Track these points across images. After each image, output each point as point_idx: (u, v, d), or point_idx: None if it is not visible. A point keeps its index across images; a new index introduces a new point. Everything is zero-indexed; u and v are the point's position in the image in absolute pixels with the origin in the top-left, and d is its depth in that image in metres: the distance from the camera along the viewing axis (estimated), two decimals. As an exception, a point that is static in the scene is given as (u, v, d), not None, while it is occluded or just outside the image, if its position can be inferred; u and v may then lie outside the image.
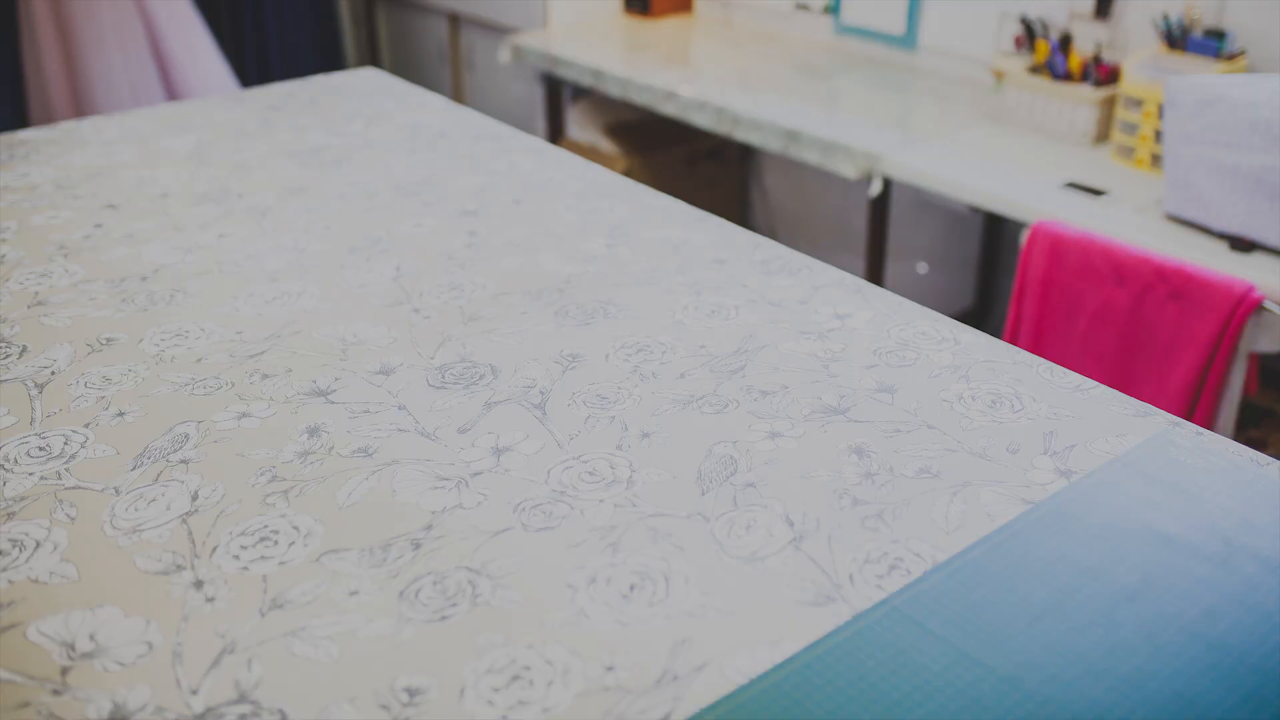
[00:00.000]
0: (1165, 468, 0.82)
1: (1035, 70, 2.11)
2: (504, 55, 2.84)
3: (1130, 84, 1.90)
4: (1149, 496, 0.79)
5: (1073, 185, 1.86)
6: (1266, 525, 0.76)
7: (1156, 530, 0.75)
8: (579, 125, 2.98)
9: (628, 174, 2.78)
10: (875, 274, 2.24)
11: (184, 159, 1.46)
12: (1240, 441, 1.19)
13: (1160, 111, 1.84)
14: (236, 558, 0.73)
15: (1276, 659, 0.65)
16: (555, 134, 3.00)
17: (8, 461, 0.83)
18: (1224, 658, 0.65)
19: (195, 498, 0.79)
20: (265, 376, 0.95)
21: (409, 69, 3.69)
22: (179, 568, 0.72)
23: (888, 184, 2.06)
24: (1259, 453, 0.84)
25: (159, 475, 0.81)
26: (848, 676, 0.63)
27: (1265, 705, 0.61)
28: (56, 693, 0.62)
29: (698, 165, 2.98)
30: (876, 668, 0.64)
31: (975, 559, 0.73)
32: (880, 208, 2.17)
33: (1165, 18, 1.98)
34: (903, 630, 0.67)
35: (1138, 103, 1.90)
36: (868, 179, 2.06)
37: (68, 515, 0.77)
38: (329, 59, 3.65)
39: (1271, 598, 0.70)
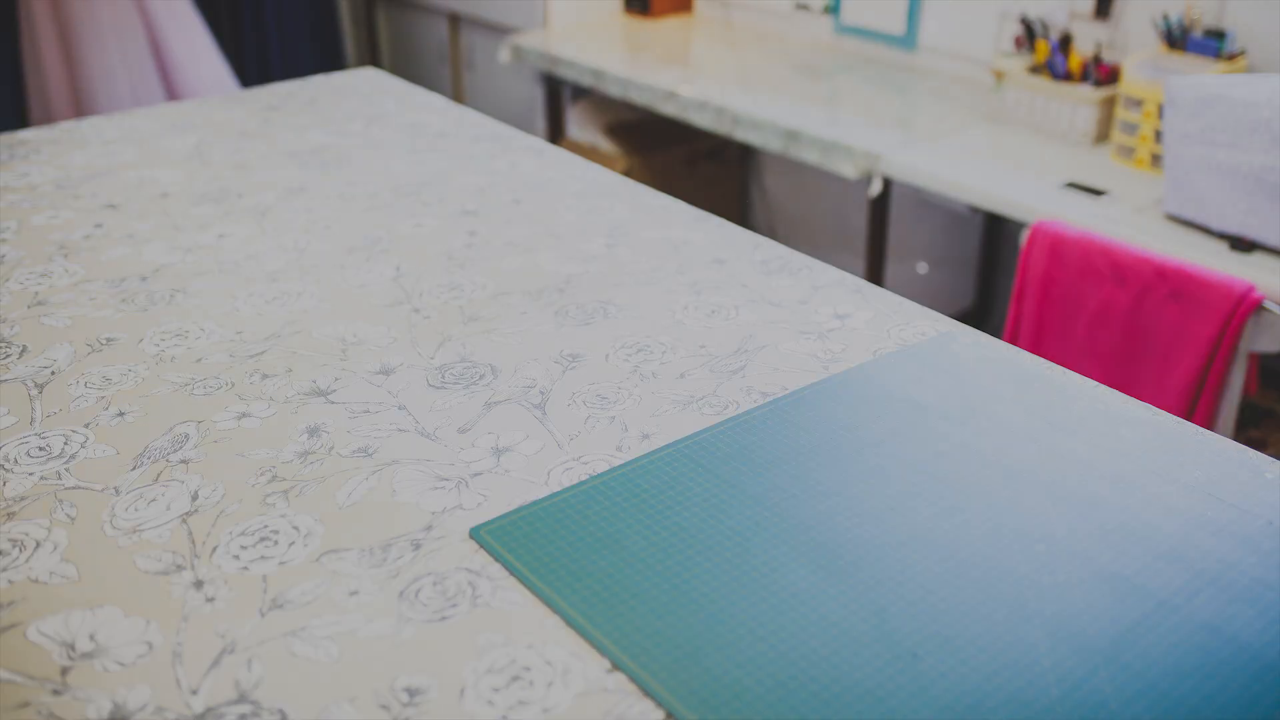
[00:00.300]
0: (942, 358, 0.97)
1: (1035, 70, 2.11)
2: (504, 55, 2.84)
3: (1130, 84, 1.91)
4: (919, 376, 0.94)
5: (1073, 185, 1.86)
6: (1013, 398, 0.91)
7: (914, 399, 0.90)
8: (579, 125, 2.98)
9: (628, 174, 2.78)
10: (875, 274, 2.24)
11: (184, 159, 1.46)
12: (1240, 441, 1.19)
13: (1160, 111, 1.84)
14: (236, 558, 0.73)
15: (984, 487, 0.80)
16: (555, 134, 3.00)
17: (8, 461, 0.83)
18: (934, 483, 0.80)
19: (195, 498, 0.79)
20: (265, 376, 0.95)
21: (409, 69, 3.69)
22: (179, 568, 0.72)
23: (888, 184, 2.06)
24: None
25: (159, 475, 0.81)
26: (622, 493, 0.79)
27: (964, 512, 0.77)
28: (56, 693, 0.62)
29: (698, 165, 2.99)
30: (649, 487, 0.80)
31: (757, 416, 0.88)
32: (880, 208, 2.17)
33: (1165, 18, 1.98)
34: (679, 464, 0.82)
35: (1138, 103, 1.90)
36: (868, 179, 2.06)
37: (68, 515, 0.77)
38: (329, 59, 3.65)
39: (992, 446, 0.85)
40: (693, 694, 0.61)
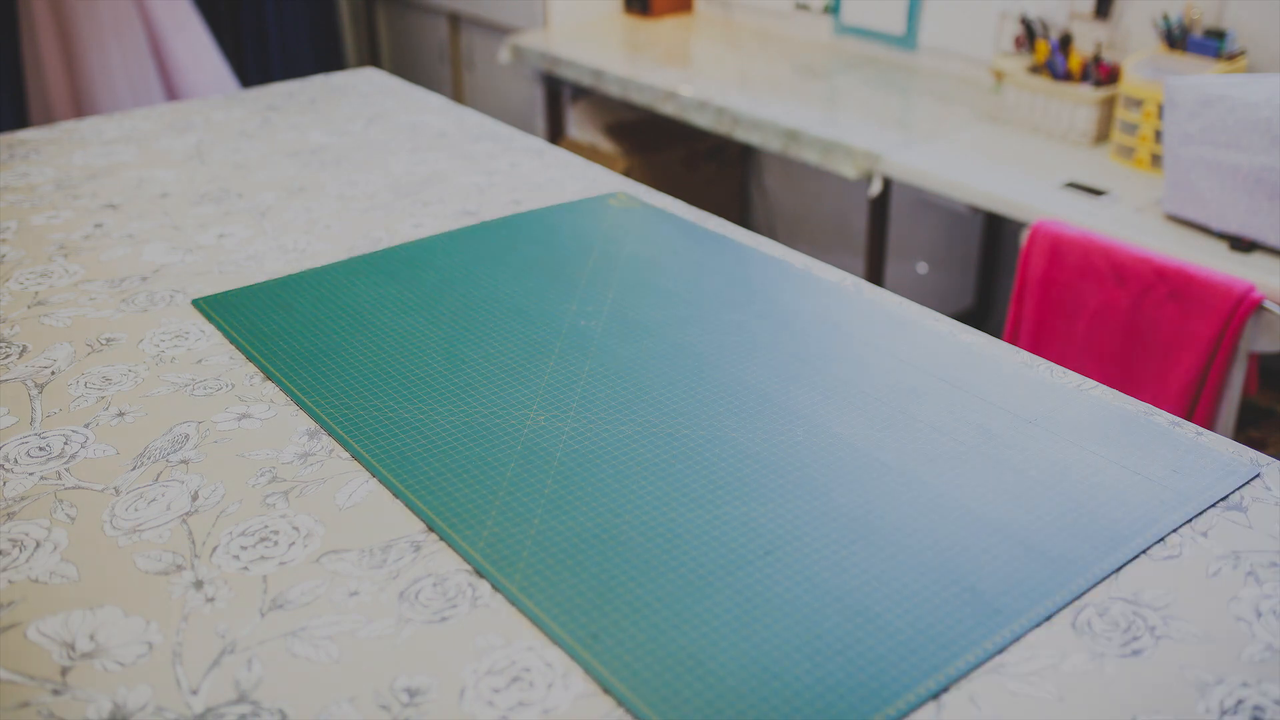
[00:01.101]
0: (601, 211, 1.26)
1: (1035, 70, 2.11)
2: (504, 55, 2.84)
3: (1130, 84, 1.91)
4: (574, 221, 1.23)
5: (1073, 185, 1.86)
6: (628, 237, 1.24)
7: (555, 236, 1.20)
8: (579, 125, 2.98)
9: (628, 174, 2.78)
10: (875, 274, 2.24)
11: (184, 159, 1.46)
12: (1240, 441, 1.19)
13: (1160, 111, 1.84)
14: (236, 558, 0.73)
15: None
16: (555, 134, 3.00)
17: (8, 461, 0.83)
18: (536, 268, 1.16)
19: (195, 498, 0.79)
20: (265, 378, 0.95)
21: (409, 69, 3.69)
22: (179, 568, 0.72)
23: (888, 184, 2.06)
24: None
25: (159, 475, 0.81)
26: (345, 281, 1.09)
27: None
28: (56, 693, 0.62)
29: (698, 165, 2.99)
30: (350, 288, 1.08)
31: (462, 234, 1.21)
32: (880, 208, 2.17)
33: (1165, 18, 1.98)
34: (394, 261, 1.14)
35: (1138, 103, 1.90)
36: (868, 179, 2.06)
37: (68, 515, 0.77)
38: (329, 59, 3.65)
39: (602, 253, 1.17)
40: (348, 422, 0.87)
